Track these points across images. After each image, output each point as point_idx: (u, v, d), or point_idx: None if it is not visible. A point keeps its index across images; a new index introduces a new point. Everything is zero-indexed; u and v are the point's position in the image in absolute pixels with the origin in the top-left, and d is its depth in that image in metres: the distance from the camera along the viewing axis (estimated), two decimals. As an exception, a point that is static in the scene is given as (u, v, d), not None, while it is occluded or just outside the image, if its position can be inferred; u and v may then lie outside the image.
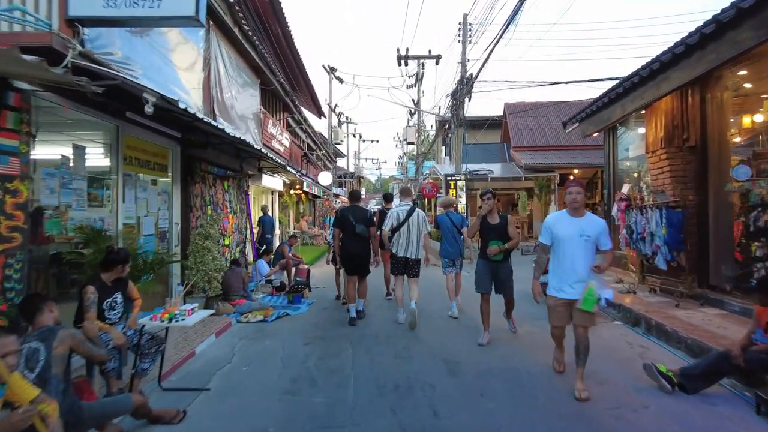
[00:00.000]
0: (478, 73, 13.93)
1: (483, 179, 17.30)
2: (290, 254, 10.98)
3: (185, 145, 7.19)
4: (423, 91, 27.45)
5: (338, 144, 29.03)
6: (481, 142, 22.60)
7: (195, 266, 7.03)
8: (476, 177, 17.03)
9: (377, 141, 48.15)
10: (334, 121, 29.05)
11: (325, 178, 20.15)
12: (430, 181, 22.18)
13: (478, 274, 5.74)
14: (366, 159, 53.20)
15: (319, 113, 21.09)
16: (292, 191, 17.93)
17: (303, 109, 19.71)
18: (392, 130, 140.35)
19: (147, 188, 6.34)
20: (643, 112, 8.58)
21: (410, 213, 6.76)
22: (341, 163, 44.85)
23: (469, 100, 15.44)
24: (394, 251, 6.80)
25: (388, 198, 9.03)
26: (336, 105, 29.08)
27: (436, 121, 30.20)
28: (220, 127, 6.03)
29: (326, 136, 28.06)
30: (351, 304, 6.92)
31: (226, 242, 8.91)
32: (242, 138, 7.01)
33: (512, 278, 5.81)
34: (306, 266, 11.07)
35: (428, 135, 34.25)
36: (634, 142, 9.79)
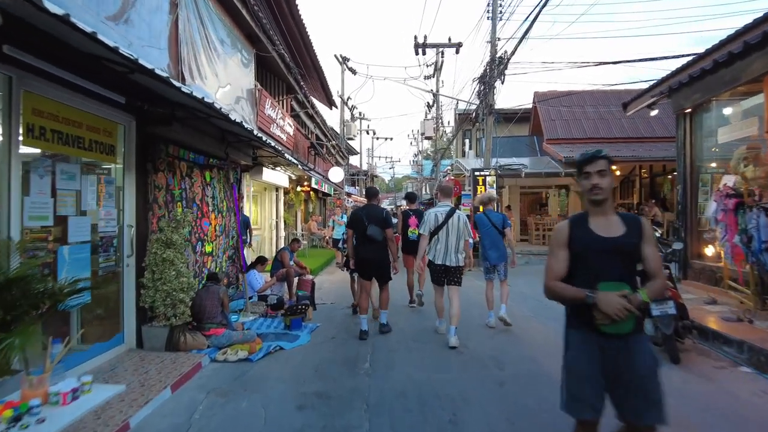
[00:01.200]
0: (516, 48, 11.88)
1: (515, 175, 15.22)
2: (292, 262, 9.05)
3: (144, 119, 5.28)
4: (442, 82, 25.46)
5: (351, 139, 27.12)
6: (506, 135, 20.52)
7: (153, 285, 5.11)
8: (508, 172, 14.96)
9: (391, 139, 46.17)
10: (347, 115, 27.14)
11: (336, 174, 18.23)
12: (452, 177, 20.15)
13: (569, 367, 2.41)
14: (379, 157, 51.26)
15: (330, 103, 19.16)
16: (299, 188, 16.04)
17: (314, 99, 17.82)
18: (406, 127, 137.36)
19: (77, 176, 4.44)
20: (741, 88, 6.57)
21: (449, 215, 5.85)
22: (354, 161, 43.05)
23: (502, 83, 13.39)
24: (431, 258, 5.95)
25: (411, 198, 8.34)
26: (349, 98, 27.21)
27: (455, 115, 28.15)
28: (177, 86, 4.09)
29: (338, 130, 26.17)
30: (362, 316, 6.20)
31: (208, 249, 7.00)
32: (222, 110, 5.08)
33: (658, 381, 2.25)
34: (311, 277, 9.14)
35: (445, 132, 32.17)
36: (727, 123, 7.70)
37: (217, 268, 7.48)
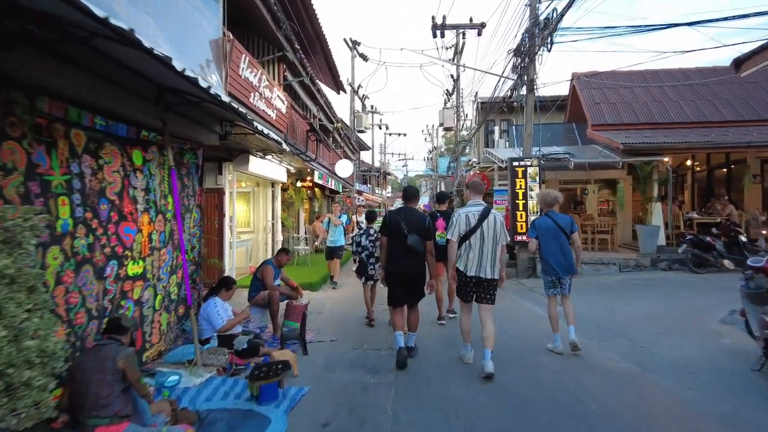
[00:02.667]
0: (570, 3, 9.25)
1: (560, 167, 12.57)
2: (278, 282, 6.57)
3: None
4: (463, 66, 22.82)
5: (362, 132, 24.60)
6: (540, 123, 17.82)
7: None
8: (553, 163, 12.29)
9: (405, 134, 43.74)
10: (358, 105, 24.63)
11: (345, 168, 15.65)
12: (478, 172, 17.52)
13: None
14: (392, 154, 48.67)
15: (338, 86, 16.62)
16: (299, 183, 13.53)
17: (319, 83, 15.34)
18: (420, 123, 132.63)
19: None
20: None
21: (484, 216, 4.91)
22: (365, 157, 40.65)
23: (549, 50, 10.76)
24: (462, 268, 4.93)
25: (441, 198, 7.61)
26: (359, 86, 24.68)
27: (475, 108, 25.44)
28: None
29: (347, 122, 23.69)
30: (397, 332, 5.20)
31: (134, 271, 4.50)
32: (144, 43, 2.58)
33: None
34: (304, 301, 6.63)
35: (465, 125, 29.44)
36: None
37: (158, 297, 4.99)
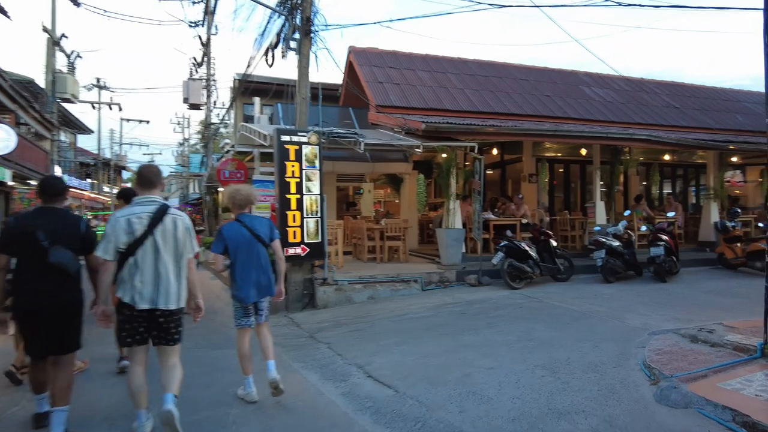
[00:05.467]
0: None
1: (343, 156, 9.16)
2: None
3: None
4: (216, 27, 17.96)
5: (67, 101, 17.39)
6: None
7: None
8: (335, 148, 8.74)
9: (147, 122, 35.93)
10: (62, 62, 17.30)
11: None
12: (232, 158, 13.07)
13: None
14: (131, 145, 39.54)
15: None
16: None
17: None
18: (170, 111, 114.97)
19: None
20: None
21: (157, 220, 3.24)
22: (89, 146, 31.67)
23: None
24: (128, 300, 3.20)
25: (126, 195, 5.10)
26: (63, 35, 17.40)
27: (233, 86, 20.77)
28: None
29: (43, 83, 16.36)
30: (38, 396, 3.62)
31: None
32: None
33: None
34: None
35: (216, 112, 24.29)
36: None
37: None
